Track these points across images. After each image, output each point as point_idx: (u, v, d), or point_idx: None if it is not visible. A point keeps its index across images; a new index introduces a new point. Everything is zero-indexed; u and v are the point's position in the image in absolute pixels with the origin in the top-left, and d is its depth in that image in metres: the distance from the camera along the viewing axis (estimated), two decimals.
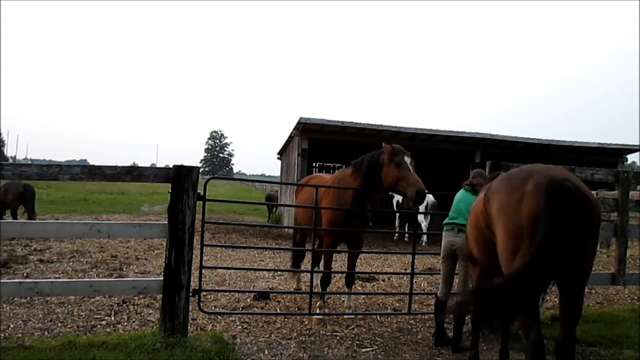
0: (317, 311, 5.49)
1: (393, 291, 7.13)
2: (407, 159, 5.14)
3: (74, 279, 6.66)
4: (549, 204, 2.93)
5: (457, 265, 4.92)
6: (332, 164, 24.10)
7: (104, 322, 5.19)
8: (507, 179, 3.41)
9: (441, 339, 4.84)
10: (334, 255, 6.26)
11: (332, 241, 5.67)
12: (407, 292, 5.73)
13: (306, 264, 7.26)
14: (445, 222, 4.92)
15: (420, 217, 13.50)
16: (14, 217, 12.29)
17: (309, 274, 5.92)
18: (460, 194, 4.95)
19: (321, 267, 6.14)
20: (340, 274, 7.41)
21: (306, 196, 6.33)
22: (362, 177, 5.36)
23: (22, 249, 9.38)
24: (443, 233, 4.92)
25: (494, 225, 3.38)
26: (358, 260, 6.05)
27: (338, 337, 4.91)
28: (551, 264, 2.96)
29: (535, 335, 3.00)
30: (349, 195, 5.46)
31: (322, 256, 5.89)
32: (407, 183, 4.97)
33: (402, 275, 8.12)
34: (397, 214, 15.00)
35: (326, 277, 5.67)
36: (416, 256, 5.84)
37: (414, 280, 5.84)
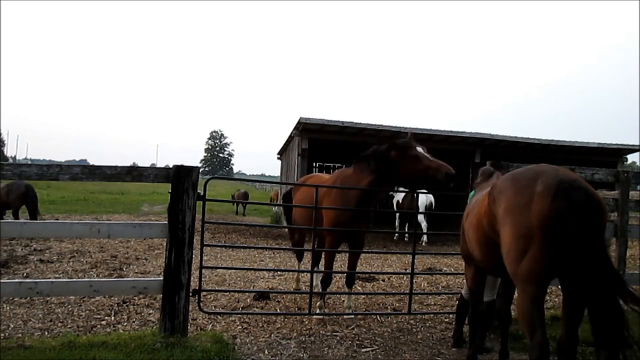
0: (317, 311, 5.49)
1: (393, 291, 7.13)
2: (420, 149, 5.22)
3: (74, 279, 6.66)
4: (561, 206, 2.93)
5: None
6: (332, 164, 24.10)
7: (104, 322, 5.19)
8: (513, 179, 3.39)
9: (460, 339, 4.81)
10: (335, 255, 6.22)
11: (335, 241, 5.64)
12: (407, 292, 5.73)
13: (306, 264, 7.25)
14: None
15: (420, 217, 13.51)
16: (16, 217, 12.28)
17: (308, 274, 5.92)
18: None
19: (322, 267, 6.13)
20: (340, 274, 7.41)
21: (304, 195, 6.26)
22: (375, 175, 5.32)
23: (22, 249, 9.39)
24: None
25: (500, 226, 3.36)
26: (358, 260, 6.05)
27: (338, 337, 4.91)
28: (561, 266, 2.98)
29: (541, 336, 3.01)
30: (353, 196, 5.41)
31: (324, 256, 5.87)
32: (435, 170, 5.04)
33: (402, 275, 8.12)
34: (397, 214, 15.00)
35: (327, 277, 5.66)
36: (416, 256, 5.84)
37: (414, 280, 5.83)
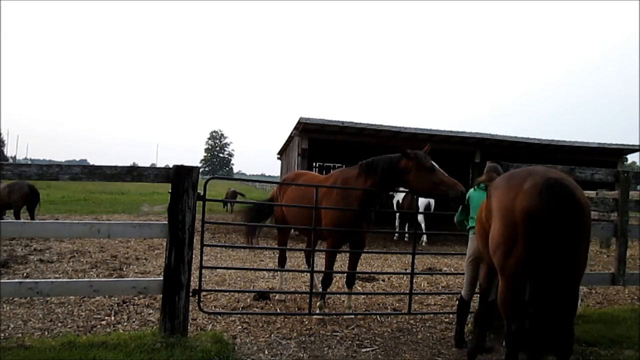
0: (317, 311, 5.49)
1: (393, 291, 7.12)
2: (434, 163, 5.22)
3: (74, 279, 6.66)
4: (542, 203, 3.08)
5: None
6: (332, 164, 24.10)
7: (104, 322, 5.19)
8: (508, 177, 3.58)
9: (462, 340, 4.79)
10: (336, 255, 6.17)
11: (337, 242, 5.62)
12: (407, 292, 5.73)
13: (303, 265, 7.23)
14: (471, 225, 4.80)
15: (420, 217, 13.51)
16: (17, 217, 12.25)
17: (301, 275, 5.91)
18: (478, 194, 4.78)
19: (321, 267, 6.11)
20: (340, 274, 7.40)
21: (297, 193, 6.09)
22: (378, 180, 5.33)
23: (22, 249, 9.38)
24: (470, 236, 4.81)
25: (492, 221, 3.53)
26: (359, 261, 6.04)
27: (338, 337, 4.91)
28: (545, 261, 3.10)
29: (518, 326, 3.28)
30: (356, 197, 5.40)
31: (324, 257, 5.84)
32: (448, 186, 5.06)
33: (402, 275, 8.12)
34: (397, 214, 14.99)
35: (327, 277, 5.64)
36: (416, 256, 5.83)
37: (414, 280, 5.83)
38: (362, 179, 5.44)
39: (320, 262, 6.65)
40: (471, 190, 4.94)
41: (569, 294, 3.18)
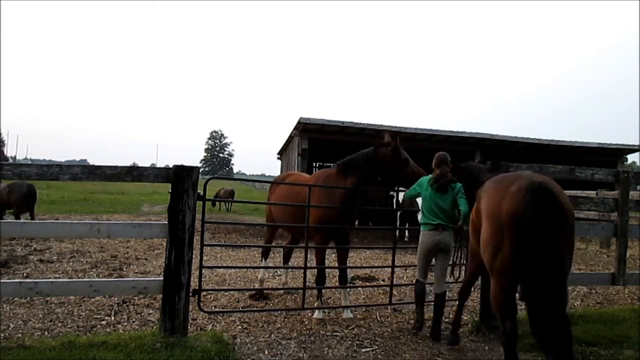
0: (316, 311, 5.50)
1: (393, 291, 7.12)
2: (404, 152, 5.53)
3: (74, 279, 6.66)
4: (525, 205, 3.24)
5: (436, 259, 5.11)
6: (332, 164, 24.07)
7: (104, 322, 5.19)
8: (497, 180, 3.77)
9: (421, 322, 5.13)
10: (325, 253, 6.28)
11: (323, 239, 5.72)
12: (398, 286, 5.84)
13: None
14: (426, 221, 5.03)
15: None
16: (17, 217, 12.23)
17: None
18: (430, 193, 4.99)
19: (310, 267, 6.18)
20: (335, 277, 7.40)
21: (284, 192, 6.29)
22: (357, 177, 5.50)
23: (22, 249, 9.38)
24: (425, 232, 5.04)
25: (483, 222, 3.70)
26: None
27: (338, 337, 4.91)
28: (530, 261, 3.23)
29: (510, 324, 3.44)
30: (339, 195, 5.53)
31: (314, 255, 5.89)
32: (419, 176, 5.36)
33: (402, 275, 8.15)
34: (397, 214, 14.98)
35: (321, 275, 5.71)
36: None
37: (403, 275, 5.84)
38: (342, 178, 5.61)
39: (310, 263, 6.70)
40: (425, 182, 5.09)
41: (556, 291, 3.25)
